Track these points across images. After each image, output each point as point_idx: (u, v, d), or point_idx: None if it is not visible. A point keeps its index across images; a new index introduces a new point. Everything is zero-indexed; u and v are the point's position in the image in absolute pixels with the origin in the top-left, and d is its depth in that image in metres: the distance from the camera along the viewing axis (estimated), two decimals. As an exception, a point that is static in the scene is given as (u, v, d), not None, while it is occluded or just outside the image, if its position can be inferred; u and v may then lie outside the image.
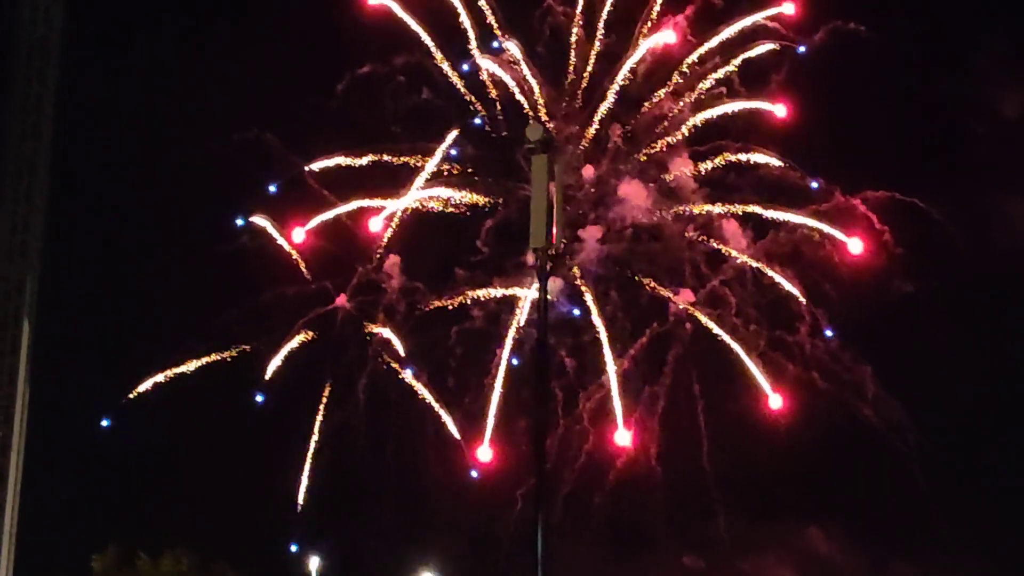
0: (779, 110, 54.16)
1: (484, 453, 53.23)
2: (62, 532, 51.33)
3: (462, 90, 55.83)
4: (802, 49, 54.72)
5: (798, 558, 52.78)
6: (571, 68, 55.71)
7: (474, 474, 53.26)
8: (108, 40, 55.27)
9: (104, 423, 53.63)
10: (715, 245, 54.66)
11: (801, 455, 51.34)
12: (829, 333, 53.39)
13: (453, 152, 55.38)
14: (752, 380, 52.96)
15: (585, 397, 53.98)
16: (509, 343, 53.64)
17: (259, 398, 54.14)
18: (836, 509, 52.11)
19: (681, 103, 55.07)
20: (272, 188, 55.98)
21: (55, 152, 54.16)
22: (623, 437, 52.97)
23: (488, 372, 53.65)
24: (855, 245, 53.46)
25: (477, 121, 55.54)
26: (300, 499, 53.79)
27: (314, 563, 53.11)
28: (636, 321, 54.42)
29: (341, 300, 55.23)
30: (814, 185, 53.87)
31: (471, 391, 53.84)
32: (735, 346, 53.11)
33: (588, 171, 55.67)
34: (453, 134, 55.31)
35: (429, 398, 54.13)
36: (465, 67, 55.64)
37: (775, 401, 52.81)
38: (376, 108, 55.16)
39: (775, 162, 53.76)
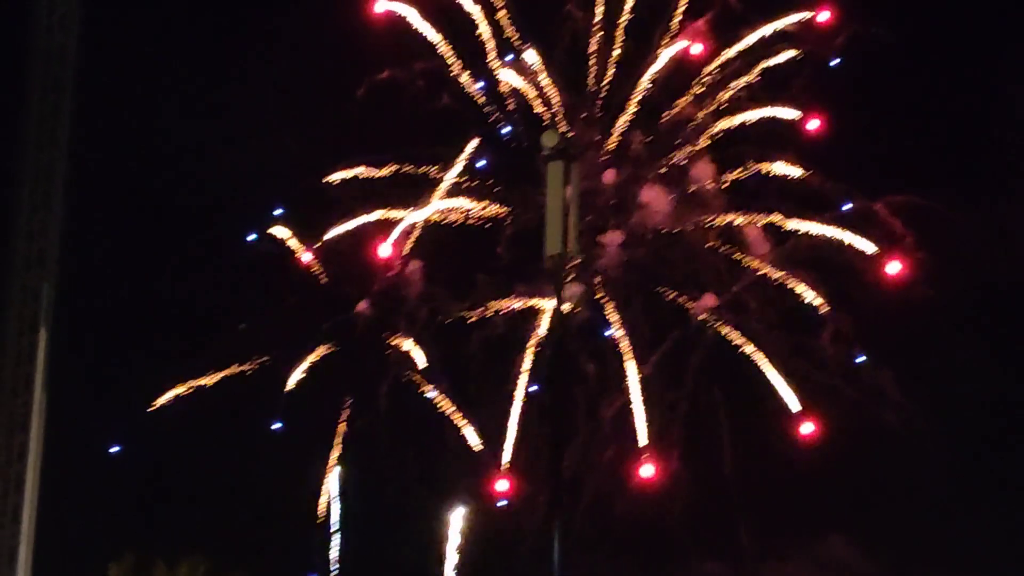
0: (811, 124, 53.78)
1: (501, 485, 52.82)
2: (79, 539, 51.29)
3: (481, 99, 55.79)
4: (835, 62, 54.45)
5: (822, 566, 52.44)
6: (591, 73, 55.60)
7: (501, 503, 52.89)
8: (125, 47, 55.29)
9: (114, 449, 53.85)
10: (736, 251, 54.43)
11: (825, 462, 51.13)
12: (860, 358, 53.04)
13: (477, 163, 55.27)
14: (775, 387, 52.75)
15: (607, 404, 53.81)
16: (529, 358, 53.45)
17: (276, 425, 54.18)
18: (860, 517, 51.78)
19: (703, 109, 54.93)
20: (279, 210, 55.94)
21: (72, 159, 54.15)
22: (647, 469, 52.61)
23: (510, 380, 53.54)
24: (893, 266, 53.05)
25: (505, 130, 55.35)
26: (321, 509, 53.78)
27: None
28: (658, 327, 54.26)
29: (362, 306, 55.15)
30: (845, 207, 53.46)
31: (493, 399, 53.72)
32: (756, 355, 52.89)
33: (609, 176, 55.52)
34: (473, 143, 55.25)
35: (450, 410, 53.97)
36: (482, 82, 55.58)
37: (807, 427, 52.42)
38: (394, 116, 55.11)
39: (796, 171, 53.46)
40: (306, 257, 55.45)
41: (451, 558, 52.42)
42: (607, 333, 53.82)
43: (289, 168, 54.89)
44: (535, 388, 53.02)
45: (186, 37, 55.27)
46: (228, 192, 53.69)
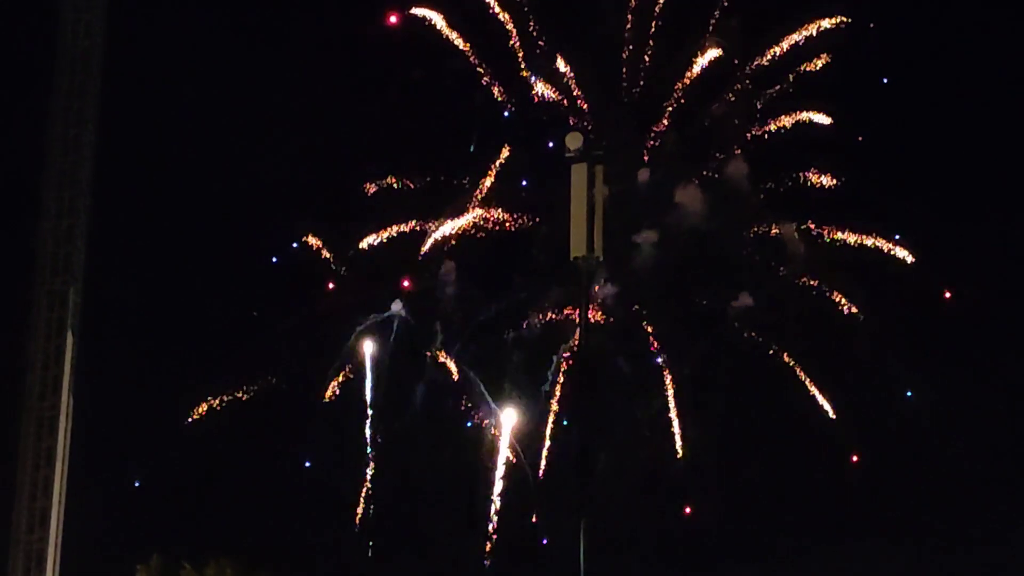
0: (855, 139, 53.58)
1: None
2: (107, 542, 51.47)
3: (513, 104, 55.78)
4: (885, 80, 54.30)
5: (858, 571, 52.15)
6: (623, 74, 55.45)
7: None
8: (150, 53, 55.51)
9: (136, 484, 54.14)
10: (771, 253, 54.29)
11: (859, 466, 51.03)
12: (908, 394, 52.87)
13: (515, 178, 55.15)
14: (810, 390, 52.57)
15: (643, 405, 53.70)
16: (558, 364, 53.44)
17: (307, 464, 54.45)
18: (895, 521, 51.56)
19: (738, 111, 54.80)
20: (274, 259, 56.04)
21: (97, 165, 54.39)
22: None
23: (546, 379, 53.48)
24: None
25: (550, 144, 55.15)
26: (360, 511, 53.82)
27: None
28: (693, 328, 54.11)
29: (396, 307, 55.14)
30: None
31: (529, 400, 53.69)
32: (790, 358, 52.71)
33: (644, 175, 55.29)
34: (505, 154, 55.17)
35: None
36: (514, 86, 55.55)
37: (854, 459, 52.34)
38: (425, 121, 55.14)
39: (827, 180, 53.27)
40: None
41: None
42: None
43: (319, 173, 55.02)
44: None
45: (211, 43, 55.40)
46: (255, 197, 53.86)
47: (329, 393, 54.45)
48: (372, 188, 55.56)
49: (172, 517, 53.03)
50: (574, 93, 55.38)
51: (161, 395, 54.88)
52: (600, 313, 53.96)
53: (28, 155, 54.32)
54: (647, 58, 55.34)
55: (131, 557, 50.73)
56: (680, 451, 52.89)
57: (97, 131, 54.50)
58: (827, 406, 52.61)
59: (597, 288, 53.62)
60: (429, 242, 54.95)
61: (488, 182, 55.13)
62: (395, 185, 55.44)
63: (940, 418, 51.93)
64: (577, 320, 52.64)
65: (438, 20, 55.52)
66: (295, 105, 55.17)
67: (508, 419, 53.09)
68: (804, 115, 54.12)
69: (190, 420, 54.27)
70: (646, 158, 55.53)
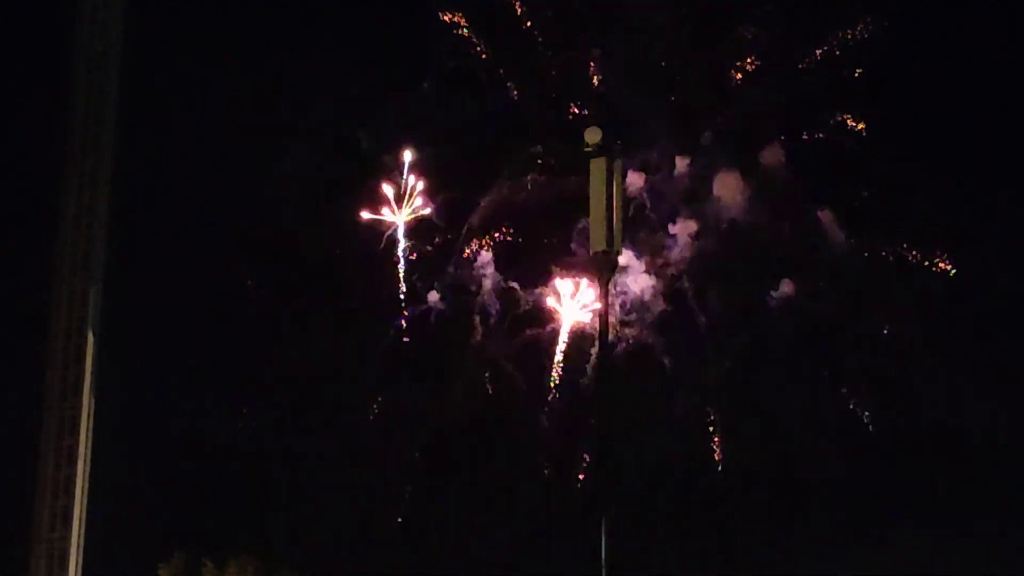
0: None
1: None
2: (128, 541, 51.61)
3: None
4: None
5: (892, 563, 51.70)
6: (660, 63, 55.14)
7: None
8: (168, 53, 55.60)
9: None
10: (811, 240, 53.90)
11: (897, 457, 50.77)
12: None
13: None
14: (849, 378, 52.27)
15: (683, 396, 53.46)
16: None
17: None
18: (930, 513, 51.22)
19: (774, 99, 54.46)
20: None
21: (117, 165, 54.56)
22: None
23: (584, 372, 53.32)
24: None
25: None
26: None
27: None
28: (733, 318, 53.86)
29: (432, 297, 54.95)
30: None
31: (567, 391, 53.52)
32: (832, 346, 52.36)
33: (682, 165, 54.99)
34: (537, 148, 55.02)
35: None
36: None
37: None
38: (460, 107, 55.03)
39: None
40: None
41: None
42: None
43: (344, 168, 55.02)
44: None
45: (230, 41, 55.39)
46: (277, 194, 53.93)
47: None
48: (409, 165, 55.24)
49: (194, 515, 53.09)
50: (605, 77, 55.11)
51: (183, 394, 54.93)
52: (631, 309, 53.75)
53: (48, 155, 54.55)
54: (684, 46, 54.94)
55: (153, 555, 50.86)
56: (718, 448, 52.68)
57: (116, 131, 54.71)
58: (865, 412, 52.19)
59: (632, 280, 53.56)
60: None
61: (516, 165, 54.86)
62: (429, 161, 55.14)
63: (984, 406, 51.31)
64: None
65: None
66: (317, 100, 55.13)
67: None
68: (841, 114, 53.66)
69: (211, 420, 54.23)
70: (676, 145, 55.02)
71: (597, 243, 29.66)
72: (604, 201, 29.62)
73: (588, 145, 29.68)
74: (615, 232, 29.58)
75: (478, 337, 54.70)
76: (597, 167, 29.83)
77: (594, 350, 52.87)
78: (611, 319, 52.10)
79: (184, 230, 55.80)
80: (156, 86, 55.67)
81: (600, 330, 29.20)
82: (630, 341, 54.02)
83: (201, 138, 54.71)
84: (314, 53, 54.59)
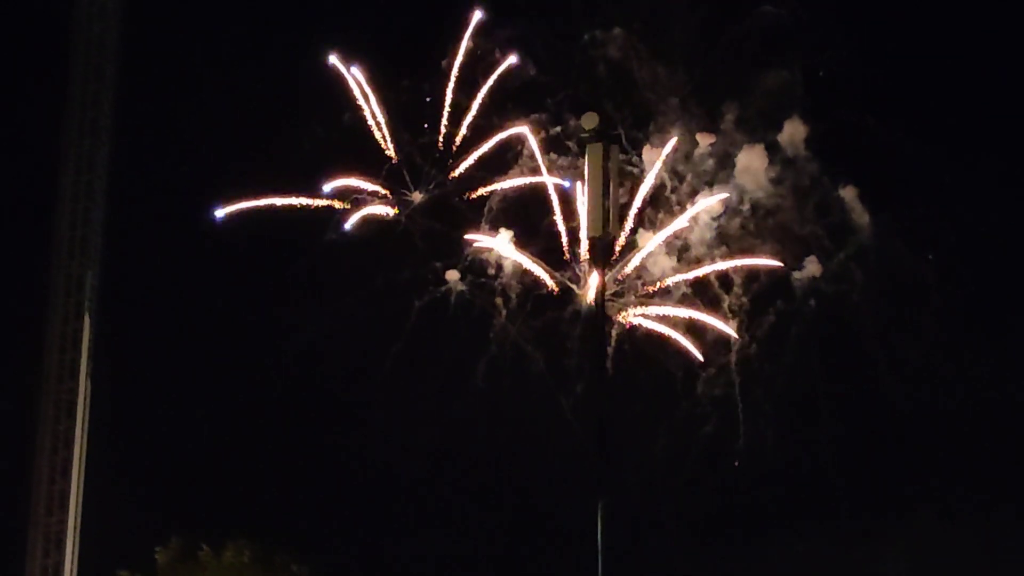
0: None
1: None
2: (125, 525, 51.56)
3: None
4: None
5: (915, 547, 51.41)
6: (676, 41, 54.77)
7: None
8: (166, 35, 55.42)
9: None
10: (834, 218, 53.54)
11: (923, 441, 50.56)
12: None
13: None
14: (875, 359, 51.89)
15: (705, 378, 53.15)
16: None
17: None
18: (956, 497, 50.99)
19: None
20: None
21: (113, 148, 54.42)
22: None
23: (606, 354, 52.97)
24: None
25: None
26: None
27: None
28: (757, 298, 53.49)
29: (451, 275, 54.50)
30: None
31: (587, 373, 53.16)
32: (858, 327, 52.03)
33: (703, 145, 54.44)
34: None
35: None
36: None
37: None
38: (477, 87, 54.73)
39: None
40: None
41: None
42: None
43: (348, 150, 54.76)
44: None
45: (229, 24, 55.19)
46: (277, 176, 53.73)
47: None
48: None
49: (191, 500, 53.02)
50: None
51: (180, 378, 54.83)
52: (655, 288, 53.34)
53: (45, 138, 54.37)
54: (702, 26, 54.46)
55: (150, 540, 50.75)
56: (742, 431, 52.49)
57: (114, 114, 54.55)
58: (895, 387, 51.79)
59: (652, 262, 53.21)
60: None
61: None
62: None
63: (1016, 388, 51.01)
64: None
65: None
66: (321, 82, 54.87)
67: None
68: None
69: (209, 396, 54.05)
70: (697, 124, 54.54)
71: (594, 228, 29.75)
72: (600, 186, 29.67)
73: (585, 130, 29.73)
74: (611, 217, 29.65)
75: (501, 318, 54.31)
76: (593, 152, 29.92)
77: (615, 332, 52.80)
78: (631, 300, 52.66)
79: (183, 213, 55.72)
80: (155, 68, 55.49)
81: (596, 314, 29.32)
82: (649, 324, 53.47)
83: (200, 120, 54.59)
84: (321, 30, 54.48)
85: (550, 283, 53.53)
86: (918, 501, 51.29)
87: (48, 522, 51.43)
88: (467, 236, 54.22)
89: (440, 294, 54.52)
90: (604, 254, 30.05)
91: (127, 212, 54.82)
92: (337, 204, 54.41)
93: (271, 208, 54.35)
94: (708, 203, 53.47)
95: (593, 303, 29.77)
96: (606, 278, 49.18)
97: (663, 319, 53.04)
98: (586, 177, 29.63)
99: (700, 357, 52.87)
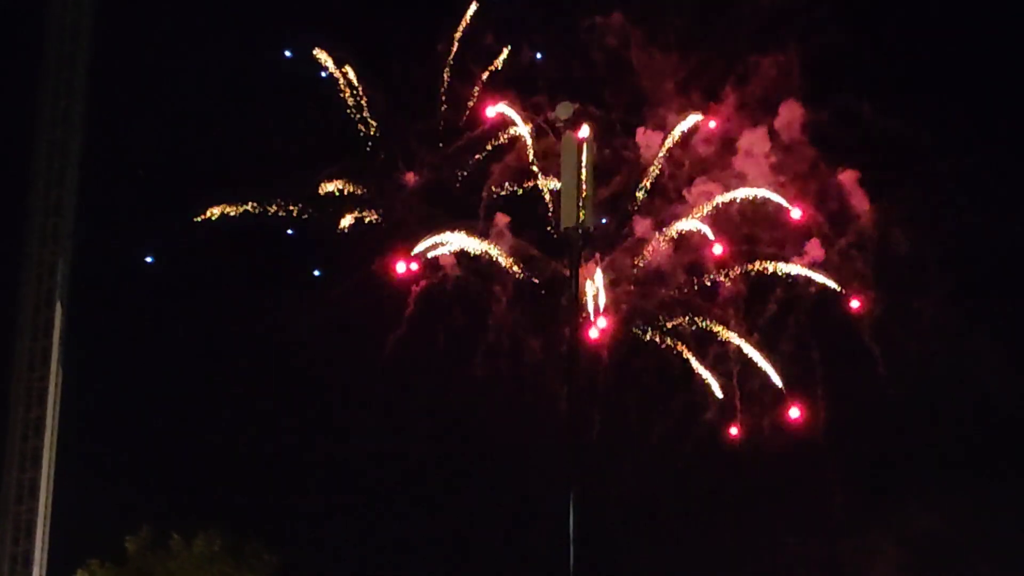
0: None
1: None
2: (95, 513, 51.47)
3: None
4: None
5: (912, 538, 51.39)
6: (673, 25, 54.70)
7: None
8: (140, 24, 55.26)
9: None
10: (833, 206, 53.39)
11: (920, 429, 50.60)
12: None
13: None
14: (872, 348, 51.82)
15: (706, 366, 53.07)
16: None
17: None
18: (956, 487, 51.02)
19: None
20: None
21: (86, 135, 54.28)
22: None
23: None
24: None
25: None
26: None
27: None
28: (756, 286, 53.44)
29: (448, 260, 54.27)
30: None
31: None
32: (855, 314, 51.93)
33: (707, 124, 54.12)
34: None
35: None
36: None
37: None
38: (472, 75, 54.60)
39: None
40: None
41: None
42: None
43: (329, 146, 54.62)
44: None
45: (205, 13, 55.08)
46: (249, 165, 53.61)
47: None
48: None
49: (161, 488, 52.97)
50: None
51: (152, 367, 54.76)
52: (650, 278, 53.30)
53: (17, 125, 54.19)
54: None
55: (120, 528, 50.63)
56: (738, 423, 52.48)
57: (87, 101, 54.38)
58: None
59: (652, 251, 53.06)
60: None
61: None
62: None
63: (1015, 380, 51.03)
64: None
65: None
66: (301, 72, 54.75)
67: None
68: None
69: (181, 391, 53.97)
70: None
71: (568, 218, 29.76)
72: (575, 177, 29.71)
73: (560, 120, 29.78)
74: (585, 207, 29.68)
75: (502, 305, 54.16)
76: (568, 142, 29.95)
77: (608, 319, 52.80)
78: (628, 290, 52.63)
79: (155, 202, 55.58)
80: (129, 55, 55.32)
81: (570, 305, 29.36)
82: (645, 314, 53.49)
83: (174, 109, 54.47)
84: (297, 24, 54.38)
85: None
86: (912, 494, 51.40)
87: (18, 510, 51.27)
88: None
89: (436, 280, 54.46)
90: (577, 245, 29.98)
91: (100, 200, 54.59)
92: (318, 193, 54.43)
93: (251, 200, 54.25)
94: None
95: (569, 292, 29.72)
96: (602, 264, 49.64)
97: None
98: (561, 167, 29.66)
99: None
